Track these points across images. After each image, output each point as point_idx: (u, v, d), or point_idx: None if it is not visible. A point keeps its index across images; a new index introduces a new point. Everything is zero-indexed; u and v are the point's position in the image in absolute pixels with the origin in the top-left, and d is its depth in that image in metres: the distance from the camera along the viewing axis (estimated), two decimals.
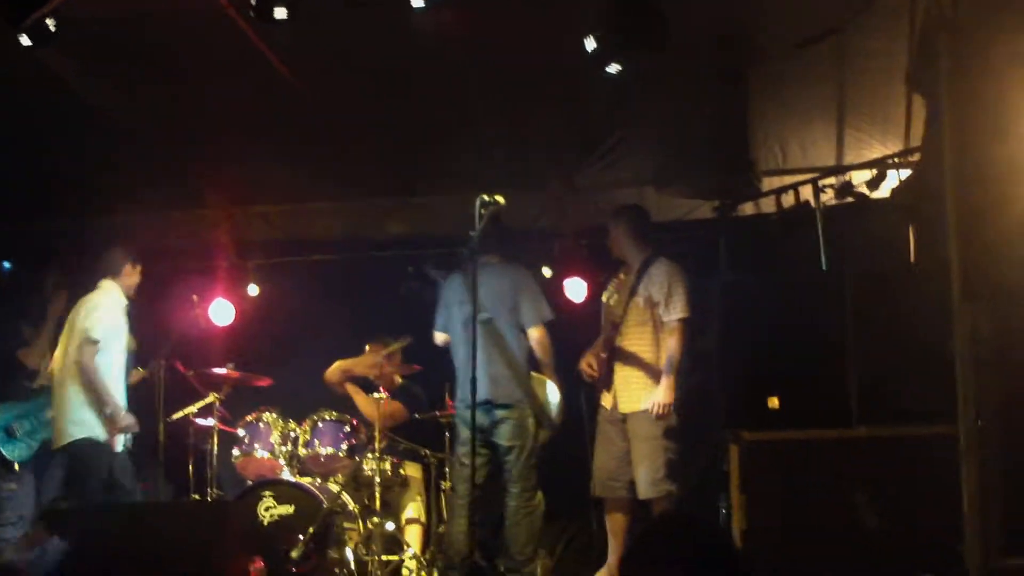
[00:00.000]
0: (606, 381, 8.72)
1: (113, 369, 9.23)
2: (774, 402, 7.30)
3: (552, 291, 9.82)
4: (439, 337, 9.26)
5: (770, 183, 9.50)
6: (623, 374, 8.69)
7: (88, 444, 9.09)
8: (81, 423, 9.08)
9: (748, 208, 9.56)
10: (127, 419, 9.21)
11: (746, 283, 7.92)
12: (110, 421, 9.10)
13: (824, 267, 8.76)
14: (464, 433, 8.80)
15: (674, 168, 8.54)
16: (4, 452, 9.77)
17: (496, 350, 8.79)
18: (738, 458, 7.27)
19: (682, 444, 8.50)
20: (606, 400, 8.74)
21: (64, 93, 9.31)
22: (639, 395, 8.58)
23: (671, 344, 8.51)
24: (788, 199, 9.21)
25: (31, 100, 9.39)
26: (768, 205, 9.41)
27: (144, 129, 10.04)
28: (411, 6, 7.70)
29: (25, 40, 7.82)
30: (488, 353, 8.67)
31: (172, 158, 10.34)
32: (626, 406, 8.63)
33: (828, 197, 9.02)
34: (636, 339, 8.66)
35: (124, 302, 9.42)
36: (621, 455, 8.64)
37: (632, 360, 8.66)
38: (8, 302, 10.85)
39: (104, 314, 9.25)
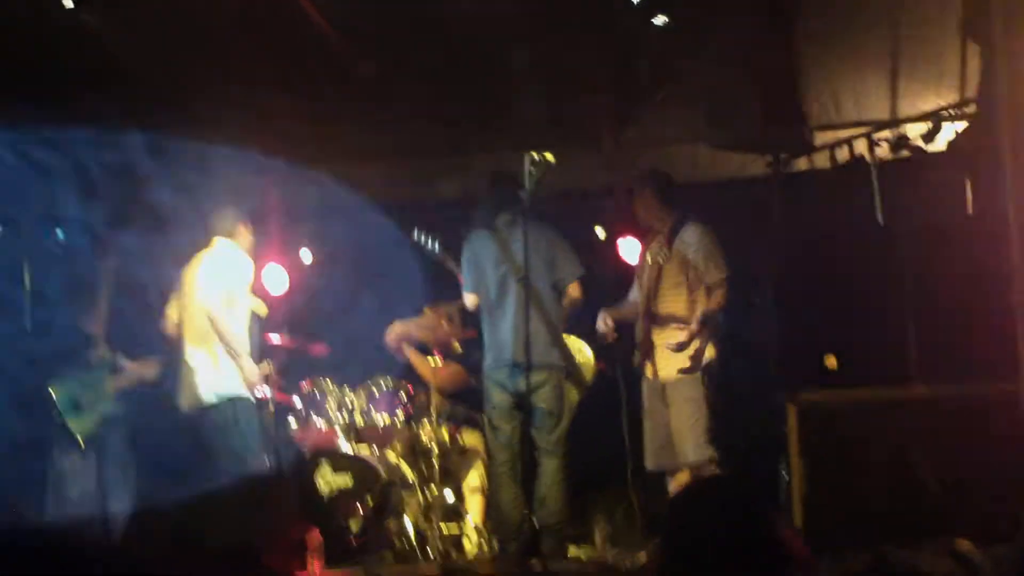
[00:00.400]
0: (646, 349, 8.59)
1: (241, 327, 9.24)
2: (832, 361, 7.19)
3: (605, 251, 9.71)
4: (470, 299, 8.98)
5: (823, 137, 9.35)
6: (659, 340, 8.53)
7: (237, 401, 9.08)
8: (224, 381, 9.07)
9: (802, 164, 9.40)
10: (259, 374, 9.23)
11: (800, 240, 7.78)
12: (247, 378, 9.12)
13: (880, 222, 8.60)
14: (498, 396, 8.70)
15: (724, 122, 8.39)
16: (71, 426, 9.73)
17: (534, 310, 8.63)
18: (796, 420, 7.14)
19: (726, 408, 8.37)
20: (648, 369, 8.61)
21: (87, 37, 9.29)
22: (675, 360, 8.46)
23: (712, 303, 8.35)
24: (842, 153, 9.05)
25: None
26: (822, 160, 9.24)
27: (189, 90, 10.01)
28: None
29: (68, 2, 7.77)
30: (524, 313, 8.51)
31: (223, 120, 10.30)
32: (664, 372, 8.50)
33: (883, 151, 8.84)
34: (671, 303, 8.50)
35: (246, 261, 9.38)
36: (664, 423, 8.51)
37: (667, 325, 8.51)
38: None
39: (229, 272, 9.24)
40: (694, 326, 8.26)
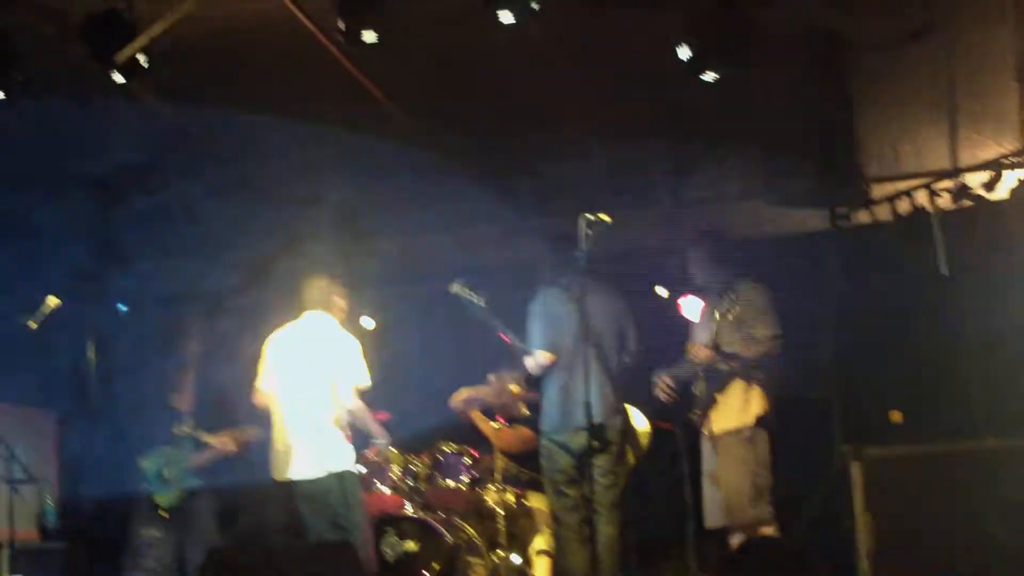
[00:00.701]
0: (704, 405, 8.55)
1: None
2: (897, 416, 7.08)
3: (667, 310, 9.64)
4: (545, 357, 8.72)
5: (883, 189, 9.28)
6: (714, 398, 8.56)
7: (344, 475, 8.85)
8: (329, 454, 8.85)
9: (863, 217, 9.31)
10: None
11: (861, 293, 7.68)
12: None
13: (944, 273, 8.49)
14: (564, 460, 8.59)
15: (780, 179, 8.34)
16: (157, 498, 9.79)
17: (604, 374, 8.59)
18: (862, 475, 7.03)
19: (784, 463, 8.34)
20: (706, 426, 8.57)
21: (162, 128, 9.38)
22: (727, 416, 8.46)
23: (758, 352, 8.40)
24: (903, 205, 8.97)
25: (126, 136, 9.47)
26: (883, 212, 9.16)
27: (249, 164, 10.09)
28: (501, 23, 7.53)
29: (118, 77, 7.82)
30: (597, 376, 8.47)
31: (278, 193, 10.38)
32: (717, 426, 8.49)
33: (944, 201, 8.75)
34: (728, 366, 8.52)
35: (344, 334, 9.19)
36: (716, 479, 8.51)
37: (723, 382, 8.52)
38: (143, 345, 10.92)
39: (339, 346, 9.07)
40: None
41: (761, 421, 8.35)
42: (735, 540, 8.36)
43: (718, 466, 8.46)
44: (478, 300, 8.89)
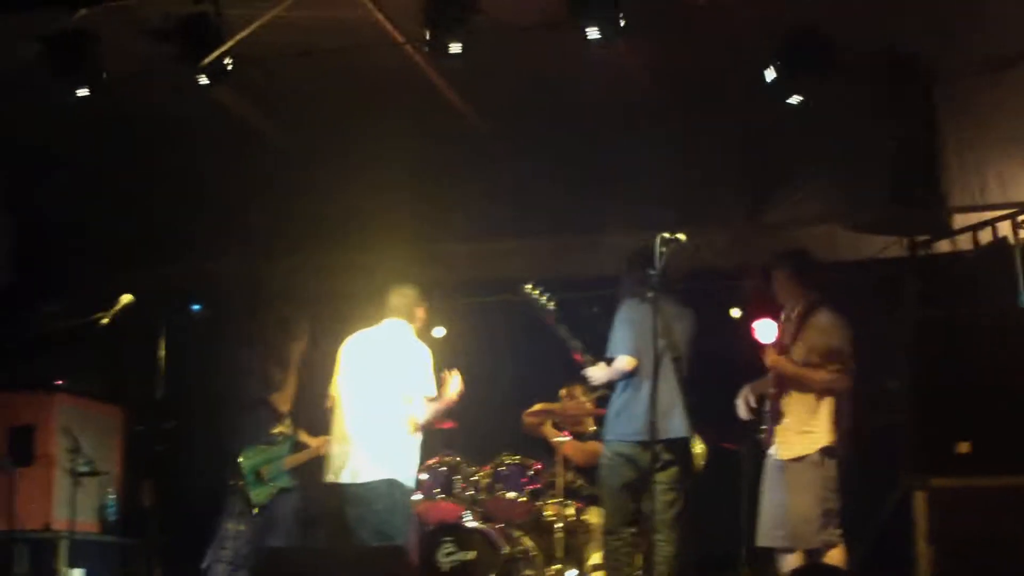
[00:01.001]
0: (772, 427, 8.46)
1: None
2: (964, 447, 6.95)
3: (741, 332, 9.55)
4: (629, 362, 8.50)
5: (966, 219, 9.16)
6: (784, 420, 8.41)
7: (394, 484, 8.68)
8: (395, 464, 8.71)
9: (944, 245, 9.21)
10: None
11: (938, 321, 7.56)
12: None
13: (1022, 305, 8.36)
14: (627, 471, 8.46)
15: (860, 203, 8.26)
16: (251, 495, 9.84)
17: (679, 389, 8.51)
18: (925, 505, 6.92)
19: (849, 491, 8.22)
20: (772, 448, 8.47)
21: (241, 134, 9.44)
22: (796, 441, 8.31)
23: (824, 385, 8.31)
24: (985, 235, 8.85)
25: (204, 138, 9.53)
26: (964, 242, 9.05)
27: (323, 169, 10.14)
28: (588, 39, 7.50)
29: (203, 79, 7.88)
30: (673, 390, 8.40)
31: (351, 198, 10.42)
32: (784, 453, 8.35)
33: None
34: (796, 385, 8.40)
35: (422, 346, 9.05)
36: (780, 503, 8.34)
37: (791, 406, 8.40)
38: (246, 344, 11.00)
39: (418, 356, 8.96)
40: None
41: (827, 451, 8.26)
42: (790, 562, 8.28)
43: (787, 491, 8.35)
44: (547, 303, 8.78)
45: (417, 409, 8.66)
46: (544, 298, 8.72)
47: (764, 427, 8.51)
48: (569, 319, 8.80)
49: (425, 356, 8.81)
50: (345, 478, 8.63)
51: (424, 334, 9.29)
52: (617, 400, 8.61)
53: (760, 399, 8.62)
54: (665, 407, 8.21)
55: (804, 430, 8.28)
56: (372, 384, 8.75)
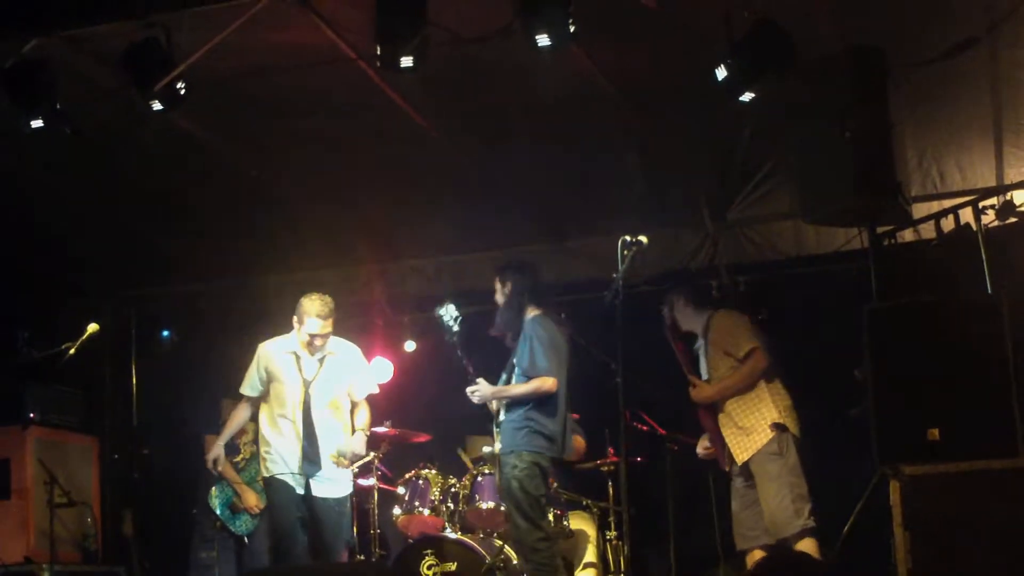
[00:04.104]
0: (719, 444, 8.77)
1: None
2: (934, 434, 6.97)
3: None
4: (554, 383, 8.55)
5: (929, 207, 9.20)
6: (728, 431, 8.70)
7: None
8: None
9: (908, 234, 9.23)
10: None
11: (899, 311, 7.58)
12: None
13: (988, 290, 8.38)
14: (543, 486, 8.62)
15: (820, 197, 8.25)
16: (231, 528, 9.90)
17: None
18: (899, 494, 6.94)
19: (810, 477, 8.47)
20: (726, 460, 8.75)
21: (203, 154, 9.44)
22: (745, 440, 8.59)
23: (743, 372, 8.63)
24: (948, 223, 8.88)
25: (166, 160, 9.52)
26: (927, 231, 9.08)
27: (284, 186, 10.15)
28: (538, 47, 7.49)
29: (156, 104, 7.88)
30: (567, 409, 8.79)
31: (319, 215, 10.42)
32: (741, 455, 8.60)
33: (990, 219, 8.64)
34: (729, 396, 8.71)
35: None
36: (752, 503, 8.56)
37: (728, 412, 8.69)
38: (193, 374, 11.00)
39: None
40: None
41: (777, 427, 8.43)
42: (753, 556, 8.38)
43: (757, 488, 8.48)
44: (454, 325, 8.94)
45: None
46: (454, 320, 8.92)
47: (706, 444, 8.97)
48: None
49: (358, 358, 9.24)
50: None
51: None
52: (528, 413, 8.59)
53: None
54: (568, 428, 8.65)
55: (748, 428, 8.57)
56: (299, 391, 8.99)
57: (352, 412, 9.14)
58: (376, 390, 9.31)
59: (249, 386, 9.06)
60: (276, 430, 8.90)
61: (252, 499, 10.28)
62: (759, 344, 8.64)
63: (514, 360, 8.63)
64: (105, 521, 10.84)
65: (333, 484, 8.92)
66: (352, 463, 9.05)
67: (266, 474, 8.89)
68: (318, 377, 8.95)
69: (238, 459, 10.38)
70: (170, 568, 10.67)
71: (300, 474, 8.78)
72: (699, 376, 8.87)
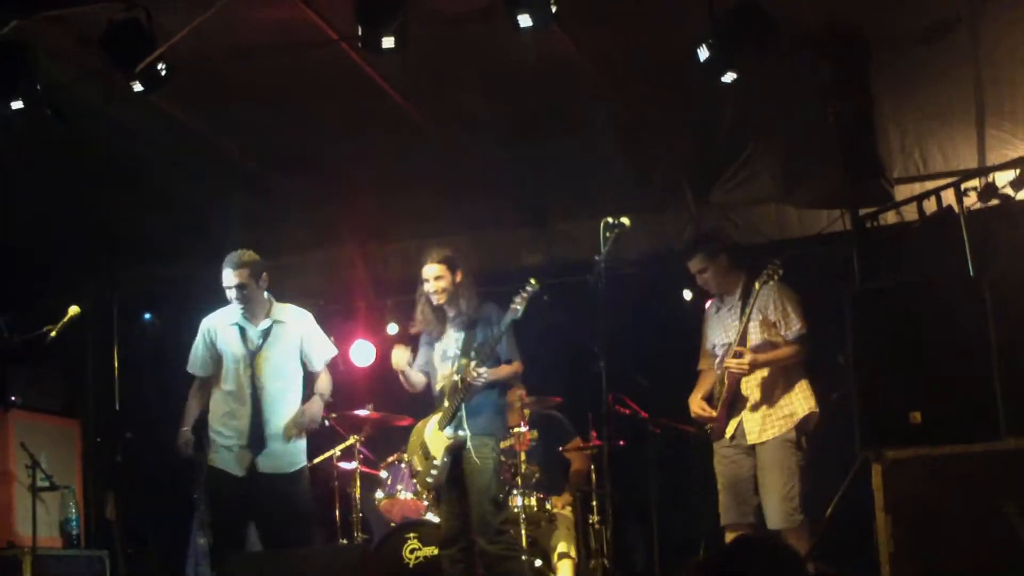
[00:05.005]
0: (728, 411, 8.48)
1: None
2: (916, 417, 6.97)
3: (695, 313, 9.55)
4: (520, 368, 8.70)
5: (911, 189, 9.20)
6: (748, 403, 8.44)
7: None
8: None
9: (890, 216, 9.23)
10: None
11: (882, 293, 7.57)
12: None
13: (971, 273, 8.37)
14: None
15: (803, 180, 8.26)
16: None
17: None
18: (881, 477, 6.94)
19: (815, 471, 8.31)
20: (729, 430, 8.47)
21: (185, 136, 9.39)
22: (766, 424, 8.36)
23: (794, 351, 8.39)
24: (930, 205, 8.87)
25: (150, 143, 9.47)
26: (910, 213, 9.07)
27: (267, 168, 10.11)
28: (519, 27, 7.46)
29: (137, 86, 7.83)
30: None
31: (302, 198, 10.39)
32: (754, 436, 8.39)
33: (972, 201, 8.64)
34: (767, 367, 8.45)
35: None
36: (748, 479, 8.38)
37: (755, 387, 8.42)
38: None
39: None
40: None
41: (802, 424, 8.31)
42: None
43: (761, 474, 8.35)
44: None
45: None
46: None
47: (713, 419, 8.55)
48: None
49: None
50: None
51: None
52: (498, 400, 8.65)
53: (708, 398, 8.64)
54: None
55: (780, 409, 8.33)
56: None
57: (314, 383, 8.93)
58: (335, 352, 9.08)
59: (193, 363, 8.89)
60: (222, 408, 8.72)
61: None
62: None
63: (480, 345, 8.49)
64: (88, 505, 10.81)
65: (281, 458, 8.68)
66: (303, 430, 8.78)
67: (210, 463, 8.70)
68: (265, 347, 8.76)
69: None
70: (168, 554, 10.64)
71: (244, 446, 8.60)
72: (720, 340, 8.67)
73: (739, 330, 8.41)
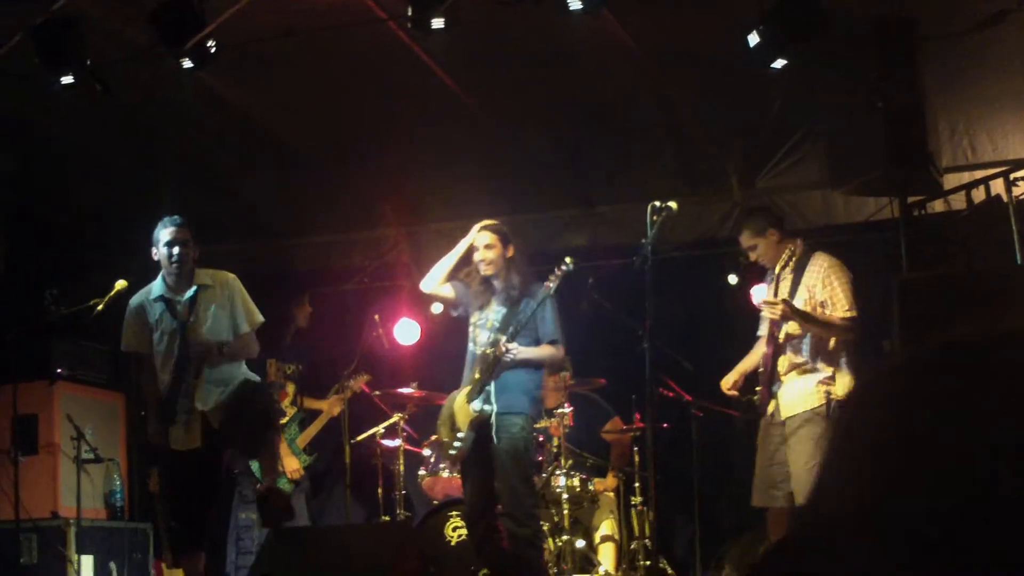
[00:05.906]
0: (769, 386, 8.36)
1: None
2: None
3: (740, 299, 9.53)
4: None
5: (960, 178, 9.17)
6: (785, 379, 8.26)
7: None
8: None
9: (938, 205, 9.20)
10: None
11: (929, 281, 7.55)
12: None
13: (1019, 262, 8.33)
14: None
15: (849, 166, 8.23)
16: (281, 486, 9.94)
17: None
18: None
19: None
20: (770, 406, 8.38)
21: (231, 114, 9.43)
22: (797, 398, 8.18)
23: (839, 328, 8.15)
24: (978, 194, 8.83)
25: (196, 120, 9.52)
26: (958, 201, 9.04)
27: (313, 148, 10.14)
28: (569, 10, 7.46)
29: (187, 63, 7.86)
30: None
31: (345, 178, 10.42)
32: (786, 410, 8.22)
33: (1021, 190, 8.59)
34: (809, 331, 8.19)
35: None
36: (781, 461, 8.23)
37: (792, 363, 8.27)
38: None
39: None
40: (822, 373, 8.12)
41: (835, 403, 8.13)
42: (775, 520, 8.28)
43: (788, 448, 8.21)
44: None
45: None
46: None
47: (758, 388, 8.43)
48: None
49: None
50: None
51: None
52: (532, 379, 8.47)
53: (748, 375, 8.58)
54: None
55: (816, 387, 8.13)
56: None
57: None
58: (261, 319, 8.57)
59: (128, 342, 8.53)
60: (161, 388, 8.35)
61: (292, 464, 10.19)
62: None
63: (516, 321, 8.39)
64: (131, 478, 10.88)
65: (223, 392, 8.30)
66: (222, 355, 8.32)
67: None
68: (193, 315, 8.32)
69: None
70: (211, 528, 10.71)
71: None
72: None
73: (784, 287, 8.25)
